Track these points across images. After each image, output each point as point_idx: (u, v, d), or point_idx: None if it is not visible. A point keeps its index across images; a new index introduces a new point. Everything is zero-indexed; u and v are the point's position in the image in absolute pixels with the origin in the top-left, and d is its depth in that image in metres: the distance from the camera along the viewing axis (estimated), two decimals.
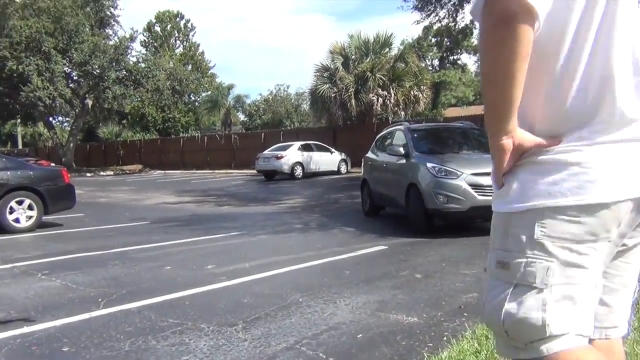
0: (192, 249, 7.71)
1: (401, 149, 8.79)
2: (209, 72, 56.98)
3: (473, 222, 8.42)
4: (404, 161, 8.74)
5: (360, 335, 3.87)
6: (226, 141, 32.77)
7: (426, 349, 3.51)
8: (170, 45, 56.30)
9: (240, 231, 9.10)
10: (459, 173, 7.67)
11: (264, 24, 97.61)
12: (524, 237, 1.35)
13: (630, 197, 1.31)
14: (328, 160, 23.23)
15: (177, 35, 58.07)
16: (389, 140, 9.92)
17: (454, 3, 16.87)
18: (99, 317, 4.43)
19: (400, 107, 23.94)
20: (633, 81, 1.33)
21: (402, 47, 28.90)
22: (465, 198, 7.54)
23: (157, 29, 56.70)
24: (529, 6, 1.21)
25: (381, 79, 23.46)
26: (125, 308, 4.64)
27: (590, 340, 1.39)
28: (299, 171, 22.20)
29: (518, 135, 1.35)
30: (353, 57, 24.49)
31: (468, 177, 7.59)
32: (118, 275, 6.01)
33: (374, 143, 10.81)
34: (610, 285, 1.48)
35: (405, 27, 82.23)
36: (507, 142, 1.35)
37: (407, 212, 8.54)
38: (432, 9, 16.95)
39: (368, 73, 23.48)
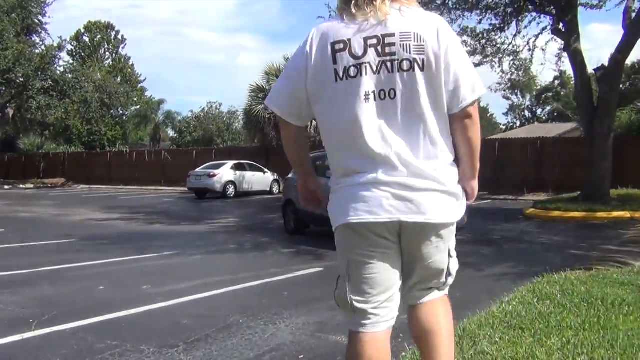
0: (124, 268, 7.54)
1: None
2: (139, 85, 55.71)
3: None
4: None
5: (302, 356, 3.96)
6: (156, 157, 32.06)
7: None
8: (99, 57, 54.69)
9: (173, 251, 8.96)
10: None
11: (197, 40, 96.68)
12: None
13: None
14: (261, 180, 23.24)
15: (106, 46, 56.52)
16: (317, 164, 10.26)
17: None
18: (32, 338, 4.29)
19: None
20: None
21: None
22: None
23: (86, 39, 54.97)
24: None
25: None
26: (60, 329, 4.51)
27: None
28: (231, 190, 22.07)
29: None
30: None
31: None
32: (49, 295, 5.80)
33: None
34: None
35: None
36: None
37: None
38: None
39: None
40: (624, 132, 19.76)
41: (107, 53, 56.61)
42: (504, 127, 58.89)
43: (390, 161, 1.93)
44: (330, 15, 17.12)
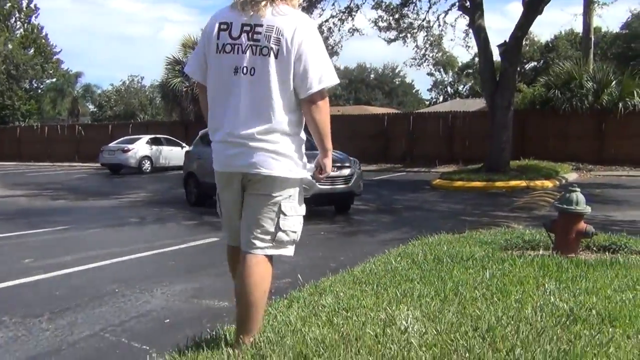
0: (12, 243, 7.29)
1: None
2: (54, 57, 52.89)
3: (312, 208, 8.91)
4: None
5: (168, 320, 4.02)
6: (70, 132, 30.72)
7: (226, 328, 3.75)
8: (9, 27, 51.36)
9: (69, 225, 8.72)
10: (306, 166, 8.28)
11: (120, 11, 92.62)
12: None
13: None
14: (179, 155, 22.68)
15: (17, 15, 53.10)
16: None
17: (304, 7, 17.47)
18: None
19: None
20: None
21: None
22: (310, 187, 8.13)
23: None
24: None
25: None
26: None
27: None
28: (147, 165, 21.56)
29: None
30: None
31: (311, 169, 8.22)
32: None
33: (198, 139, 11.60)
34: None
35: None
36: None
37: None
38: None
39: None
40: (528, 107, 20.80)
41: (19, 22, 53.25)
42: (428, 103, 60.38)
43: (237, 123, 2.44)
44: None
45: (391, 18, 18.81)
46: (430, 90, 64.96)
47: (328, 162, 2.63)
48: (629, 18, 31.06)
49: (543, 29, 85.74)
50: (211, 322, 3.92)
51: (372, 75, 66.18)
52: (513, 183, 13.51)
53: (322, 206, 9.44)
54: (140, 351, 3.33)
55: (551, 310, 2.76)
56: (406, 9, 18.22)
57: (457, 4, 16.34)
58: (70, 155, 29.47)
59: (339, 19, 18.38)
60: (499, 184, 13.52)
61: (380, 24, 19.16)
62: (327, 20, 18.20)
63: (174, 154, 22.30)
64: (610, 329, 2.52)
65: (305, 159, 2.67)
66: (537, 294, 3.06)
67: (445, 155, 21.10)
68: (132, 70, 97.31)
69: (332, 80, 2.44)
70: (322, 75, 2.40)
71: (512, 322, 2.58)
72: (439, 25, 18.23)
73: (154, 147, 22.04)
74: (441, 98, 61.06)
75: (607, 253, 4.83)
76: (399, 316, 2.70)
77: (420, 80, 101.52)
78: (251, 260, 2.52)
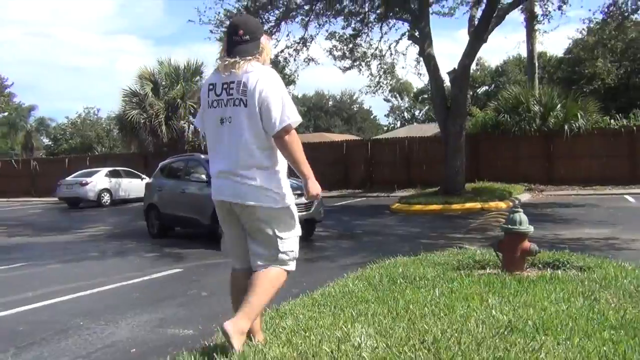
0: None
1: (203, 176, 9.89)
2: (5, 90, 51.85)
3: None
4: (206, 187, 9.47)
5: (134, 349, 4.13)
6: (24, 167, 30.08)
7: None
8: None
9: (28, 262, 8.66)
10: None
11: (72, 42, 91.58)
12: None
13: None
14: (139, 186, 22.51)
15: None
16: (182, 169, 11.04)
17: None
18: None
19: None
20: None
21: None
22: None
23: None
24: None
25: (192, 106, 23.63)
26: None
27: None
28: (106, 198, 21.32)
29: None
30: (163, 83, 24.33)
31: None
32: None
33: (158, 170, 11.78)
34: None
35: None
36: None
37: (213, 229, 9.35)
38: None
39: (179, 100, 23.51)
40: (480, 130, 21.58)
41: None
42: (386, 128, 61.44)
43: (226, 163, 2.98)
44: (199, 19, 17.54)
45: (345, 47, 19.35)
46: (387, 115, 66.24)
47: (310, 185, 2.96)
48: (570, 44, 32.64)
49: (493, 55, 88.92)
50: (177, 349, 4.04)
51: (330, 103, 67.08)
52: (468, 205, 13.99)
53: None
54: None
55: (491, 323, 3.02)
56: (359, 39, 18.79)
57: (407, 33, 17.00)
58: (26, 190, 28.83)
59: (294, 49, 18.79)
60: (455, 206, 13.98)
61: (335, 53, 19.68)
62: (282, 51, 18.59)
63: (134, 186, 22.13)
64: (543, 337, 2.79)
65: (288, 188, 3.06)
66: (480, 309, 3.32)
67: (403, 180, 21.59)
68: (87, 102, 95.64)
69: (293, 118, 2.87)
70: (283, 115, 2.83)
71: (456, 334, 2.82)
72: (391, 54, 18.88)
73: (113, 180, 21.84)
74: (399, 123, 62.24)
75: (550, 269, 5.15)
76: (353, 334, 2.91)
77: (378, 106, 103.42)
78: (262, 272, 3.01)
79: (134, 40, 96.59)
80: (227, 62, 2.92)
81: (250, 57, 2.92)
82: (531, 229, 5.11)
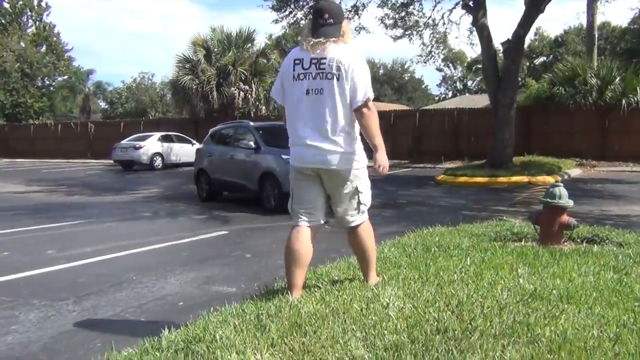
0: (34, 236, 7.75)
1: (252, 143, 10.18)
2: (66, 55, 53.58)
3: None
4: (254, 153, 9.97)
5: (182, 303, 4.45)
6: (82, 129, 31.33)
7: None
8: (21, 25, 52.10)
9: (87, 219, 9.20)
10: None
11: (129, 7, 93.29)
12: None
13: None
14: (189, 151, 23.17)
15: (29, 13, 53.82)
16: (231, 135, 10.99)
17: (311, 6, 17.83)
18: None
19: (262, 101, 24.65)
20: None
21: (267, 42, 29.64)
22: None
23: (6, 5, 52.11)
24: None
25: (243, 73, 23.97)
26: None
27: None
28: (158, 162, 22.07)
29: None
30: (215, 50, 24.73)
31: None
32: None
33: (209, 137, 12.08)
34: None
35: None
36: None
37: (259, 195, 9.84)
38: (289, 10, 17.80)
39: (230, 67, 23.88)
40: (532, 103, 21.05)
41: (30, 20, 53.98)
42: (437, 98, 60.44)
43: (311, 130, 3.28)
44: None
45: (397, 16, 19.13)
46: (439, 85, 65.02)
47: (379, 156, 3.28)
48: (635, 14, 31.09)
49: (553, 24, 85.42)
50: (220, 305, 4.34)
51: (381, 71, 66.32)
52: (515, 179, 13.83)
53: None
54: (158, 326, 3.75)
55: (517, 290, 3.14)
56: (411, 7, 18.53)
57: (460, 2, 16.64)
58: (83, 153, 30.07)
59: (346, 18, 18.70)
60: (501, 179, 13.84)
61: (387, 21, 19.51)
62: None
63: (185, 151, 22.77)
64: (566, 305, 2.89)
65: (363, 151, 3.42)
66: (508, 278, 3.44)
67: (451, 152, 21.40)
68: (142, 67, 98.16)
69: (371, 93, 3.28)
70: (365, 92, 3.22)
71: (481, 299, 2.97)
72: (444, 24, 18.56)
73: (165, 144, 22.53)
74: (450, 94, 61.06)
75: (588, 244, 5.17)
76: (383, 295, 3.09)
77: (430, 75, 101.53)
78: (355, 229, 3.47)
79: (187, 4, 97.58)
80: (313, 42, 3.26)
81: (334, 39, 3.26)
82: (570, 203, 5.11)
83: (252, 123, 11.51)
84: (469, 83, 61.79)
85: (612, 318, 2.70)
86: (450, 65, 61.02)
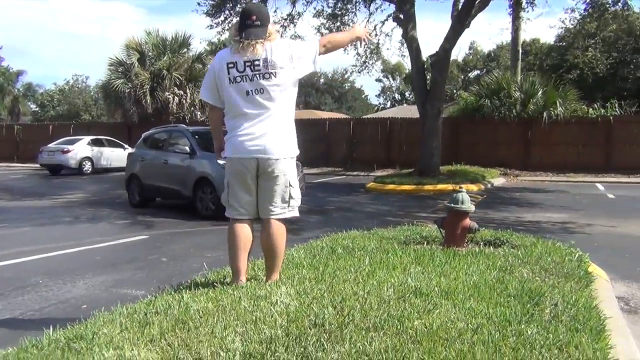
0: None
1: (187, 148, 10.07)
2: None
3: None
4: (189, 158, 9.91)
5: (85, 305, 4.40)
6: (8, 132, 30.04)
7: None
8: None
9: (2, 224, 8.87)
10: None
11: (66, 8, 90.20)
12: None
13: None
14: (121, 156, 22.66)
15: None
16: (165, 139, 10.80)
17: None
18: None
19: (197, 107, 24.40)
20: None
21: (206, 47, 29.36)
22: None
23: None
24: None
25: (178, 78, 23.69)
26: None
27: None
28: (87, 166, 21.44)
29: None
30: (150, 53, 24.33)
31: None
32: None
33: (141, 141, 11.79)
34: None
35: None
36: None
37: (193, 201, 9.75)
38: (224, 16, 17.75)
39: (165, 71, 23.56)
40: (461, 114, 21.86)
41: None
42: (376, 108, 61.49)
43: (253, 127, 3.47)
44: None
45: (332, 26, 19.43)
46: (378, 95, 66.22)
47: (357, 28, 4.12)
48: (560, 32, 32.76)
49: (486, 39, 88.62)
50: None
51: (321, 80, 66.90)
52: (440, 186, 14.31)
53: None
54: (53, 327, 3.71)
55: (402, 288, 3.30)
56: (346, 17, 18.88)
57: (392, 15, 17.11)
58: (9, 156, 28.84)
59: (281, 26, 18.86)
60: (427, 187, 14.29)
61: (322, 30, 19.76)
62: None
63: (116, 156, 22.25)
64: (443, 301, 3.08)
65: (296, 145, 3.65)
66: (398, 277, 3.61)
67: (383, 160, 21.88)
68: (78, 70, 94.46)
69: (315, 41, 3.77)
70: (311, 43, 3.73)
71: (365, 295, 3.12)
72: (376, 35, 18.98)
73: (95, 149, 21.94)
74: (389, 104, 62.28)
75: (489, 247, 5.45)
76: (275, 293, 3.19)
77: (370, 85, 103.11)
78: (273, 226, 3.58)
79: (126, 7, 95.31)
80: (242, 44, 3.43)
81: (261, 40, 3.44)
82: (472, 208, 5.37)
83: (187, 127, 11.29)
84: (407, 94, 63.28)
85: (480, 311, 2.90)
86: (390, 76, 62.32)
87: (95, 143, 22.11)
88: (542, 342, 2.52)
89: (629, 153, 19.22)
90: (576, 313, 3.04)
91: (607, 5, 15.85)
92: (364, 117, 30.11)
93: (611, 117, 19.80)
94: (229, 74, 3.48)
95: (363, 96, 68.84)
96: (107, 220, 9.46)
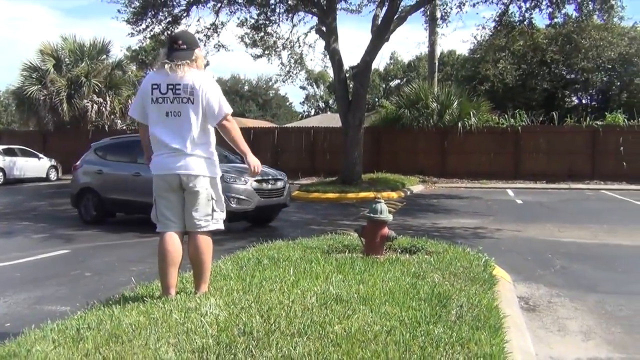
0: None
1: None
2: None
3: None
4: None
5: (9, 324, 4.36)
6: None
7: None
8: None
9: None
10: (246, 179, 9.25)
11: None
12: None
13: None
14: (35, 166, 21.82)
15: None
16: (134, 150, 9.91)
17: (169, 21, 17.71)
18: None
19: (117, 115, 23.82)
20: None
21: (127, 54, 28.71)
22: (251, 199, 9.30)
23: None
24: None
25: (97, 85, 23.04)
26: None
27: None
28: None
29: None
30: (67, 60, 23.53)
31: (253, 183, 9.37)
32: None
33: (92, 152, 10.83)
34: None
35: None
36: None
37: None
38: (146, 24, 17.49)
39: (83, 78, 22.85)
40: (382, 123, 22.66)
41: None
42: (301, 116, 62.01)
43: (174, 145, 3.69)
44: None
45: (256, 36, 19.61)
46: (303, 103, 66.84)
47: (250, 159, 3.85)
48: (473, 45, 34.57)
49: (407, 50, 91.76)
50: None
51: (246, 87, 66.76)
52: (362, 194, 14.80)
53: (258, 218, 9.98)
54: None
55: (324, 296, 3.56)
56: (269, 28, 19.12)
57: (314, 27, 17.53)
58: None
59: (204, 35, 18.83)
60: (350, 195, 14.75)
61: (246, 40, 19.90)
62: None
63: (30, 166, 21.35)
64: (362, 307, 3.36)
65: (217, 164, 3.88)
66: (321, 285, 3.87)
67: (308, 168, 22.25)
68: None
69: (229, 109, 3.76)
70: (219, 110, 3.71)
71: (290, 304, 3.35)
72: (299, 46, 19.37)
73: (7, 158, 20.90)
74: (313, 111, 63.00)
75: (406, 254, 5.83)
76: (204, 304, 3.36)
77: (295, 93, 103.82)
78: (199, 238, 3.77)
79: (40, 9, 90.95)
80: (168, 65, 3.67)
81: (188, 62, 3.69)
82: (390, 217, 5.73)
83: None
84: (331, 102, 64.26)
85: (394, 315, 3.20)
86: (314, 84, 63.11)
87: (7, 152, 21.07)
88: (446, 340, 2.84)
89: (536, 160, 20.66)
90: (478, 313, 3.41)
91: (515, 24, 16.95)
92: (288, 125, 30.44)
93: (519, 127, 21.17)
94: (152, 94, 3.72)
95: (288, 104, 69.30)
96: (23, 235, 9.16)
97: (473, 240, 8.41)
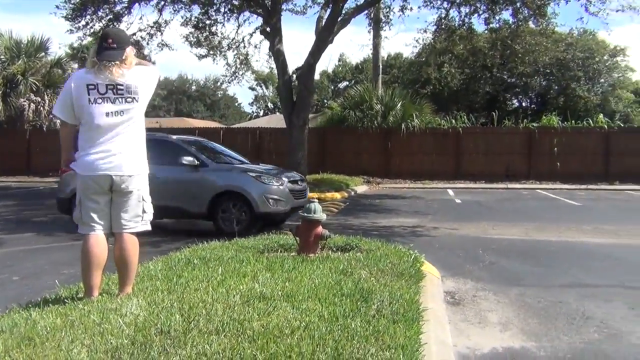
0: None
1: (191, 159, 9.05)
2: None
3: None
4: (196, 172, 9.05)
5: None
6: None
7: None
8: None
9: None
10: (283, 180, 9.20)
11: None
12: None
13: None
14: None
15: None
16: (169, 152, 9.42)
17: (110, 19, 17.30)
18: None
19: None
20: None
21: (68, 51, 27.83)
22: (287, 200, 9.24)
23: None
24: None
25: (35, 84, 22.27)
26: None
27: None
28: None
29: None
30: (2, 57, 22.63)
31: (288, 184, 9.33)
32: None
33: None
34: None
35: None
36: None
37: (210, 218, 9.12)
38: (86, 21, 17.04)
39: (19, 76, 22.04)
40: (327, 124, 22.86)
41: None
42: (249, 117, 61.66)
43: (112, 145, 3.68)
44: None
45: (201, 35, 19.39)
46: (252, 104, 66.49)
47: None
48: (417, 49, 35.25)
49: (355, 51, 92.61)
50: None
51: (193, 87, 65.88)
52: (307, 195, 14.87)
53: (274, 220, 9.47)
54: None
55: (248, 294, 3.61)
56: (214, 28, 18.95)
57: (259, 28, 17.51)
58: None
59: (147, 33, 18.49)
60: None
61: (191, 39, 19.64)
62: (134, 34, 18.18)
63: None
64: (284, 303, 3.42)
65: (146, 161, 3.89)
66: (247, 284, 3.91)
67: None
68: None
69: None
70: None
71: (213, 302, 3.37)
72: (244, 47, 19.29)
73: None
74: (262, 112, 62.78)
75: (340, 252, 5.92)
76: (126, 305, 3.35)
77: (243, 94, 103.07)
78: (126, 240, 3.75)
79: None
80: (98, 65, 3.65)
81: (117, 62, 3.67)
82: (324, 216, 5.82)
83: (174, 137, 9.95)
84: (279, 103, 64.12)
85: (314, 311, 3.28)
86: (262, 85, 62.89)
87: None
88: (362, 334, 2.93)
89: (475, 161, 21.31)
90: (398, 307, 3.53)
91: (454, 28, 17.41)
92: (235, 126, 30.25)
93: (460, 129, 21.78)
94: (89, 94, 3.66)
95: (236, 104, 68.77)
96: None
97: (409, 238, 8.63)
